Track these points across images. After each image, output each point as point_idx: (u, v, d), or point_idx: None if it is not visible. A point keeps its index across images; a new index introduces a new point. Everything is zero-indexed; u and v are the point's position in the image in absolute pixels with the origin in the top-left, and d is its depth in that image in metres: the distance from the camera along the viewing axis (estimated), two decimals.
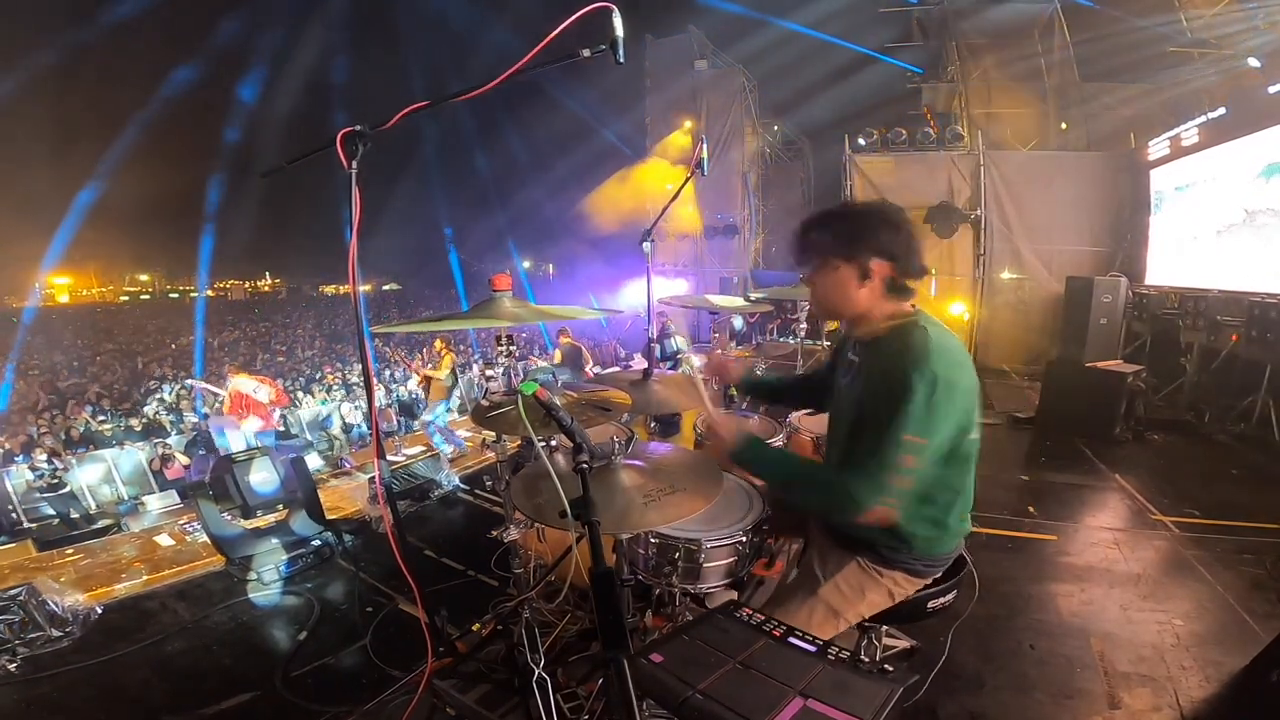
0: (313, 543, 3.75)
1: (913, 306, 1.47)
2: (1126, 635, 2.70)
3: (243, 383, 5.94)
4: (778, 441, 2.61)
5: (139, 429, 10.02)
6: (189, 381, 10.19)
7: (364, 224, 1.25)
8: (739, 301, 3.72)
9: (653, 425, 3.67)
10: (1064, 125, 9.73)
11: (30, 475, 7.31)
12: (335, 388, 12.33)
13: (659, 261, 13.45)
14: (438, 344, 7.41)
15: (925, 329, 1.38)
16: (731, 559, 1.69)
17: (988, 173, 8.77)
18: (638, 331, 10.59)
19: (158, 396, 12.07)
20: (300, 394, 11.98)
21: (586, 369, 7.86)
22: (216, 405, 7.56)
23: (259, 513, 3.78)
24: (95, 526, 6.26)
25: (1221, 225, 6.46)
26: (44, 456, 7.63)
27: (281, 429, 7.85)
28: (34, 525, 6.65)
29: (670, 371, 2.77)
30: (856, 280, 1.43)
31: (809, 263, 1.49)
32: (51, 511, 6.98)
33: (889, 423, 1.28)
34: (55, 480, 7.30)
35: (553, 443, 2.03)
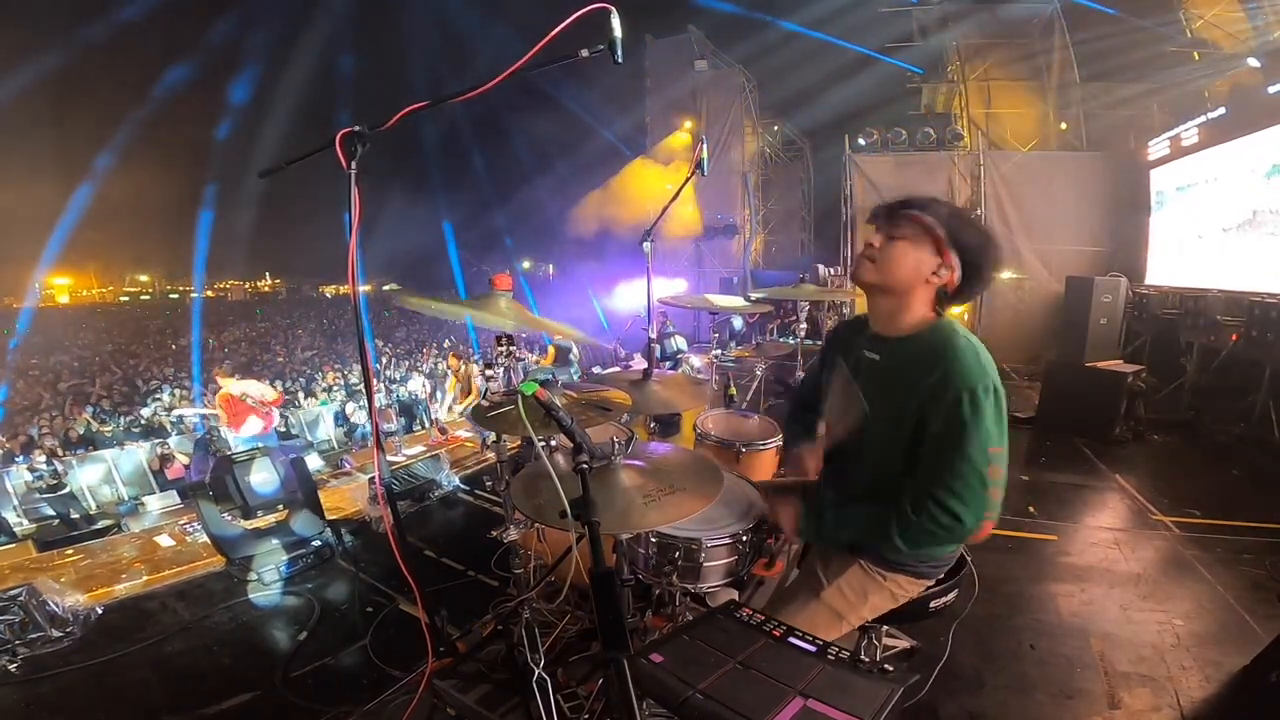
0: (313, 543, 3.75)
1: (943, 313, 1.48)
2: (1126, 635, 2.70)
3: (231, 385, 5.88)
4: (778, 442, 2.61)
5: (138, 430, 10.03)
6: (178, 413, 10.15)
7: (364, 224, 1.25)
8: (739, 301, 3.72)
9: (653, 425, 3.67)
10: (1064, 125, 9.72)
11: (29, 476, 7.31)
12: (336, 388, 12.34)
13: (659, 261, 13.43)
14: (451, 360, 7.48)
15: (965, 336, 1.39)
16: (731, 559, 1.69)
17: (988, 173, 8.79)
18: (638, 331, 10.59)
19: (158, 398, 12.08)
20: (301, 394, 11.99)
21: (574, 364, 7.88)
22: (213, 422, 7.53)
23: (259, 513, 3.78)
24: (95, 527, 6.26)
25: (1223, 225, 6.46)
26: (43, 458, 7.64)
27: (282, 430, 7.73)
28: (34, 525, 6.66)
29: (670, 371, 2.78)
30: (930, 268, 1.41)
31: (905, 227, 1.43)
32: (51, 512, 6.98)
33: (969, 442, 1.28)
34: (55, 481, 7.30)
35: (553, 443, 2.03)
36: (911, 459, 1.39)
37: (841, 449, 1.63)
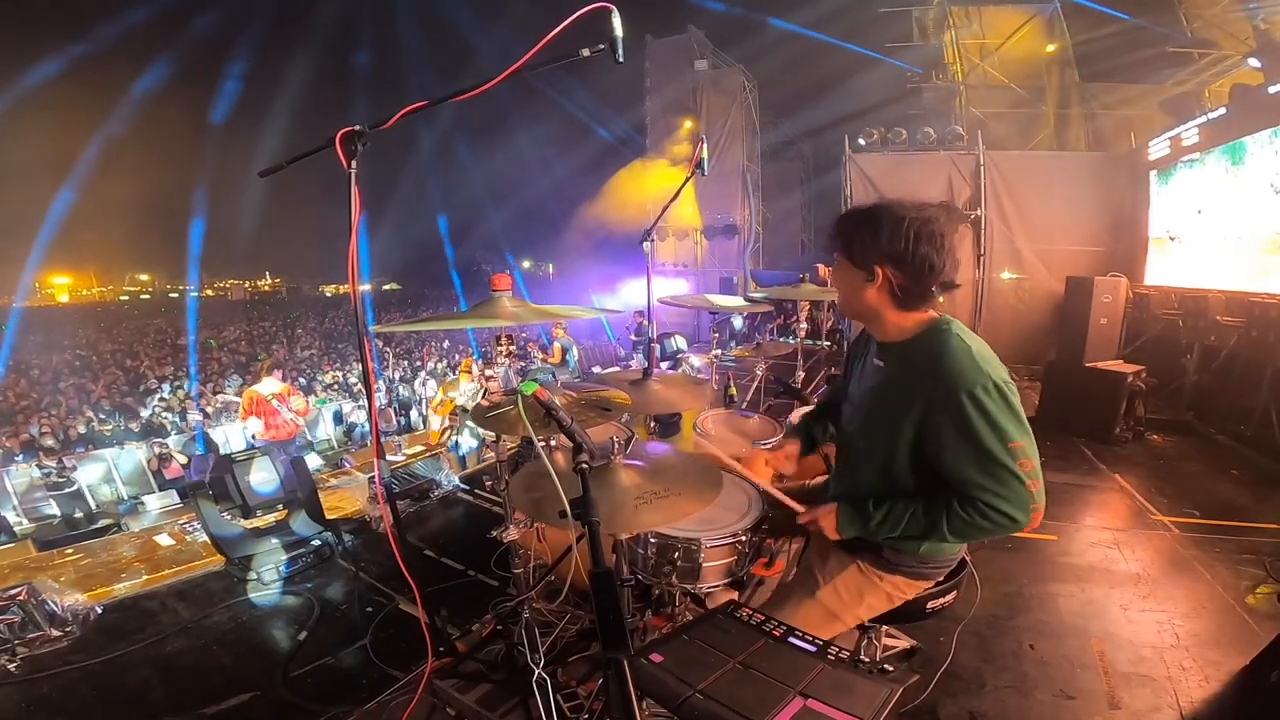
0: (313, 543, 3.75)
1: (938, 313, 1.46)
2: (1126, 635, 2.70)
3: (265, 384, 5.92)
4: (777, 441, 2.61)
5: (137, 429, 10.02)
6: (221, 399, 10.22)
7: (362, 223, 1.25)
8: (739, 301, 3.72)
9: (652, 425, 3.67)
10: (1063, 125, 9.73)
11: (37, 473, 7.31)
12: (335, 387, 12.35)
13: (659, 261, 13.46)
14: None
15: (960, 337, 1.38)
16: (731, 559, 1.69)
17: (988, 173, 8.76)
18: (631, 332, 10.58)
19: (158, 397, 12.08)
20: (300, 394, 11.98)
21: (573, 364, 7.90)
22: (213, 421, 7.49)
23: (259, 512, 3.78)
24: (95, 526, 6.27)
25: (1223, 225, 6.45)
26: (51, 457, 7.64)
27: (303, 440, 7.36)
28: (34, 525, 6.66)
29: (670, 371, 2.78)
30: (861, 280, 1.43)
31: (834, 257, 1.51)
32: (54, 511, 6.98)
33: (987, 442, 1.28)
34: (63, 479, 7.31)
35: (553, 442, 2.03)
36: (923, 462, 1.40)
37: (851, 451, 1.64)
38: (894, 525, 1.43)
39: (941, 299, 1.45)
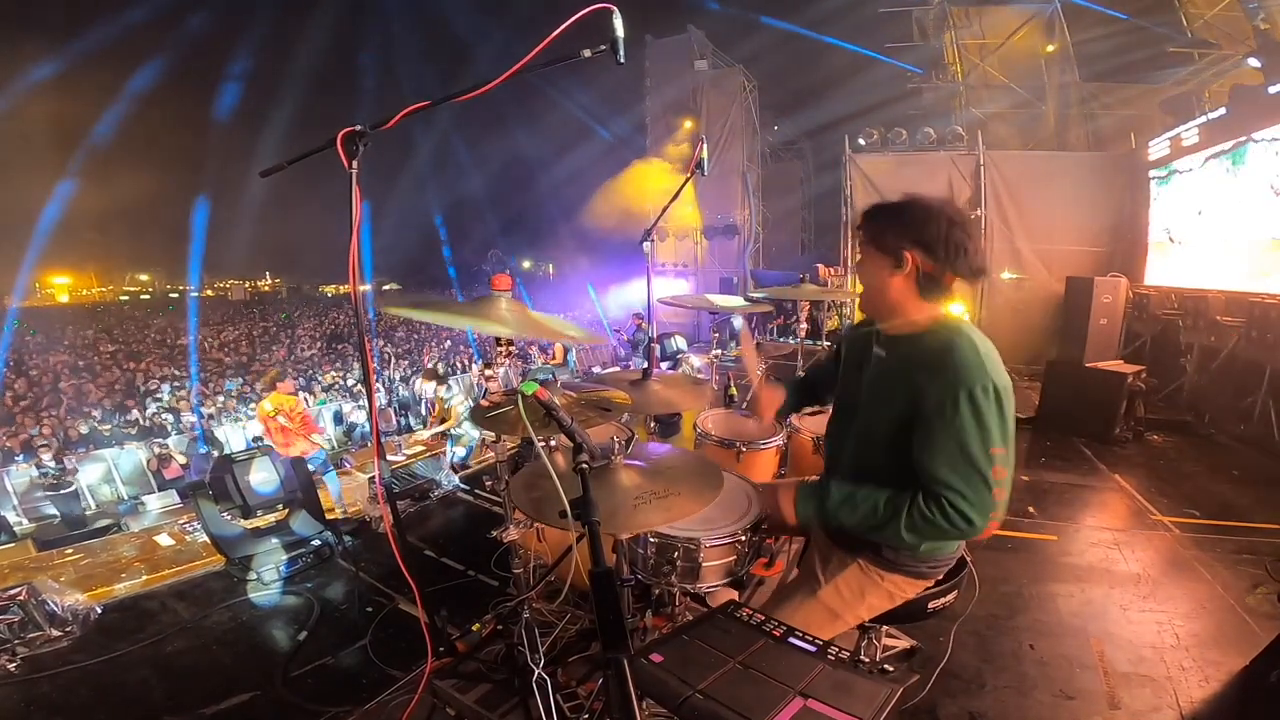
0: (313, 543, 3.75)
1: (949, 313, 1.46)
2: (1126, 635, 2.70)
3: (266, 403, 5.89)
4: (778, 442, 2.61)
5: (135, 430, 10.01)
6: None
7: (362, 223, 1.25)
8: (739, 301, 3.71)
9: (652, 425, 3.67)
10: (1063, 125, 9.73)
11: (35, 473, 7.31)
12: (335, 387, 12.34)
13: (659, 261, 13.46)
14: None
15: (970, 337, 1.38)
16: (731, 558, 1.69)
17: (988, 173, 8.76)
18: (630, 332, 10.58)
19: (158, 398, 12.07)
20: (302, 394, 11.99)
21: (571, 364, 7.92)
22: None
23: (259, 512, 3.79)
24: (95, 526, 6.27)
25: (1223, 225, 6.45)
26: (49, 456, 7.63)
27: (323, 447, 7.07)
28: (34, 525, 6.66)
29: (670, 371, 2.77)
30: (889, 269, 1.43)
31: (861, 246, 1.52)
32: (53, 510, 6.98)
33: (970, 441, 1.28)
34: (56, 480, 7.30)
35: (553, 442, 2.03)
36: (909, 455, 1.39)
37: (840, 439, 1.64)
38: (851, 510, 1.44)
39: (958, 298, 1.46)
